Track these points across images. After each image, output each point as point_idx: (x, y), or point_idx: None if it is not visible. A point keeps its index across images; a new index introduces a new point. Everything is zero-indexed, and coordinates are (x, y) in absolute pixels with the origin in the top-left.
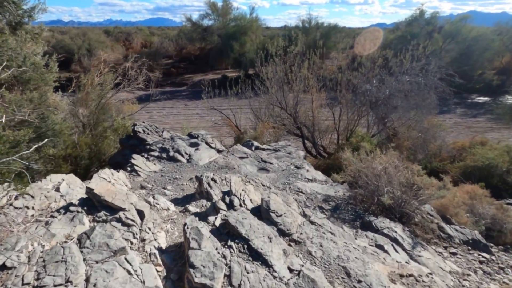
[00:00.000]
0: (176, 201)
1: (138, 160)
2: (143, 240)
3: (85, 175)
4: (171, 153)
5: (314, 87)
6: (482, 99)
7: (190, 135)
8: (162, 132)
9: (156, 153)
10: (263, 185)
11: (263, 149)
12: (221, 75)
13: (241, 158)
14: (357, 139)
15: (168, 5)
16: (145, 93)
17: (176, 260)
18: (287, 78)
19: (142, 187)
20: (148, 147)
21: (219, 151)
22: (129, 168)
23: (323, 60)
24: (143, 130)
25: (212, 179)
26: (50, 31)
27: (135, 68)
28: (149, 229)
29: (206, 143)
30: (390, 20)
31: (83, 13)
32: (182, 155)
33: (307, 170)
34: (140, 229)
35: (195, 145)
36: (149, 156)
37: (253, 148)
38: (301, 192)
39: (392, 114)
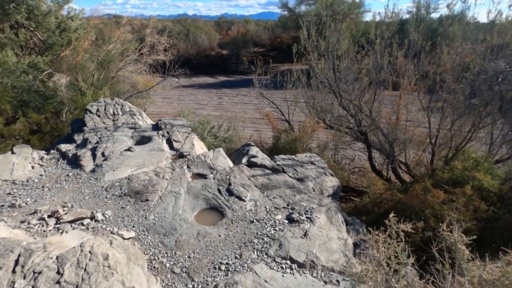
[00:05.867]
0: None
1: (14, 156)
2: None
3: None
4: (82, 152)
5: (407, 77)
6: None
7: (156, 125)
8: (122, 115)
9: (68, 147)
10: None
11: (255, 165)
12: (310, 66)
13: (196, 175)
14: (467, 163)
15: None
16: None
17: None
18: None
19: None
20: (76, 135)
21: (181, 156)
22: None
23: (438, 50)
24: (97, 111)
25: None
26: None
27: (156, 37)
28: None
29: (169, 140)
30: None
31: (204, 7)
32: (93, 158)
33: (305, 234)
34: None
35: (145, 141)
36: (56, 151)
37: (243, 160)
38: None
39: None
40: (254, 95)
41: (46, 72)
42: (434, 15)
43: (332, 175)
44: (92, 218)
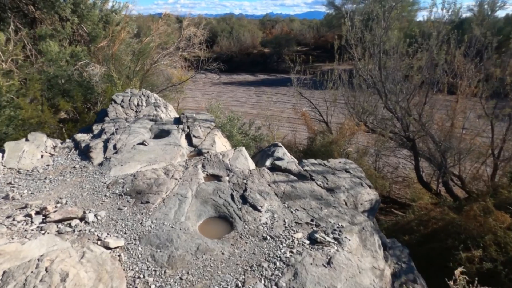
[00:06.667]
0: None
1: (27, 144)
2: None
3: None
4: (94, 143)
5: (466, 78)
6: None
7: (178, 119)
8: (146, 107)
9: (83, 137)
10: None
11: (279, 169)
12: (354, 64)
13: (210, 176)
14: None
15: None
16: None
17: None
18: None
19: None
20: (95, 126)
21: (199, 153)
22: None
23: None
24: (122, 101)
25: None
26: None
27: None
28: None
29: (188, 135)
30: None
31: (250, 7)
32: (104, 150)
33: (329, 261)
34: None
35: (163, 135)
36: (71, 141)
37: (267, 162)
38: None
39: None
40: (293, 94)
41: (83, 62)
42: (500, 13)
43: (370, 186)
44: (82, 219)
